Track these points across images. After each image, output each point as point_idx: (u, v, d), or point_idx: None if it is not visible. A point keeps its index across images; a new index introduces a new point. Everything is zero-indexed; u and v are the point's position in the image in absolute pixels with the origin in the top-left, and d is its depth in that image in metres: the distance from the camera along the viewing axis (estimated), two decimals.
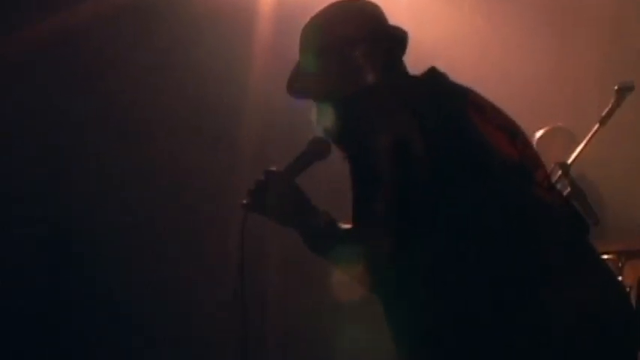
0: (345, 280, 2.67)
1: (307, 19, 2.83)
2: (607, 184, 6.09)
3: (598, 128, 4.36)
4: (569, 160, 4.20)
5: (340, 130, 2.72)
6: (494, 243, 2.48)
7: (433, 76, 2.75)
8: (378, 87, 2.68)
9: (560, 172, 4.02)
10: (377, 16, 2.81)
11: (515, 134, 2.70)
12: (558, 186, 3.92)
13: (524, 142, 2.73)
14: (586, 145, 4.32)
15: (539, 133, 5.84)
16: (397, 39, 2.81)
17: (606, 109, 4.39)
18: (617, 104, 4.38)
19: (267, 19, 6.46)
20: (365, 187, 2.54)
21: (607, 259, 4.57)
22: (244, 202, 2.72)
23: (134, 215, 6.10)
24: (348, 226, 2.61)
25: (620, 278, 4.51)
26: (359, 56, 2.70)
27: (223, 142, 6.31)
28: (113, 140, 6.07)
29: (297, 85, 2.82)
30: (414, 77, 2.76)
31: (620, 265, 4.60)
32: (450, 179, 2.50)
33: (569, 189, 3.95)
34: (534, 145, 5.69)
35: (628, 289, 4.38)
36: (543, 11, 6.86)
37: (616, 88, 4.40)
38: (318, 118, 2.78)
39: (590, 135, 4.35)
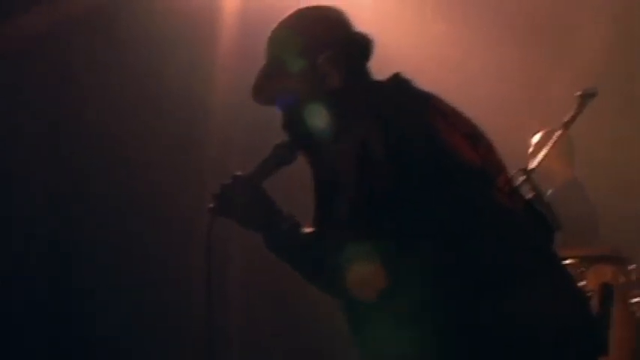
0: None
1: (272, 19, 2.82)
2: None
3: (561, 134, 4.38)
4: (532, 166, 4.21)
5: (304, 135, 2.72)
6: (457, 249, 2.48)
7: (397, 81, 2.75)
8: (341, 92, 2.68)
9: (523, 177, 4.02)
10: (342, 21, 2.80)
11: (477, 139, 2.70)
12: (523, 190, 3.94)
13: (486, 147, 2.72)
14: (549, 150, 4.33)
15: (535, 138, 5.86)
16: (362, 45, 2.81)
17: (569, 115, 4.41)
18: (580, 110, 4.40)
19: (231, 20, 6.43)
20: (327, 192, 2.56)
21: (569, 264, 4.59)
22: (211, 206, 2.73)
23: (99, 215, 6.05)
24: (310, 230, 2.64)
25: (582, 283, 4.52)
26: (324, 62, 2.70)
27: (186, 144, 6.26)
28: (72, 142, 6.00)
29: (263, 91, 2.81)
30: (378, 82, 2.77)
31: (582, 270, 4.60)
32: (413, 185, 2.50)
33: (532, 194, 3.96)
34: (530, 149, 5.80)
35: (590, 295, 4.39)
36: (505, 16, 6.89)
37: (579, 94, 4.42)
38: (284, 123, 2.77)
39: (553, 140, 4.36)
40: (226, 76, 6.33)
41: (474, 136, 2.70)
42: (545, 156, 4.33)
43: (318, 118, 2.66)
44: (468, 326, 2.45)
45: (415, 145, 2.55)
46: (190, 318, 5.82)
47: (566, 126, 4.39)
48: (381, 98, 2.67)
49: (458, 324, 2.46)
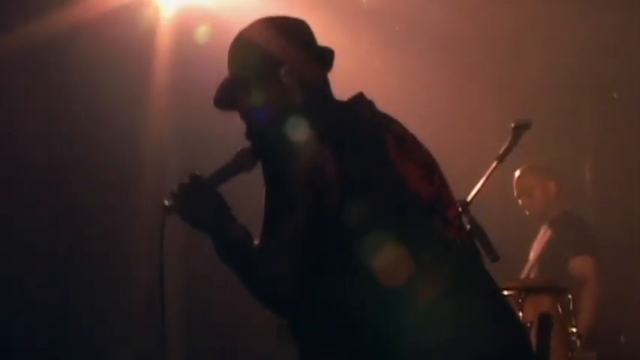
0: None
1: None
2: (508, 220, 6.17)
3: (496, 166, 4.39)
4: (469, 198, 4.21)
5: (260, 148, 2.75)
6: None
7: (358, 103, 2.75)
8: (302, 109, 2.68)
9: (460, 209, 4.01)
10: (305, 34, 2.81)
11: (432, 169, 2.69)
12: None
13: (440, 178, 2.71)
14: (485, 182, 4.34)
15: (517, 172, 5.90)
16: (324, 58, 2.81)
17: (503, 147, 4.42)
18: (515, 142, 4.42)
19: (165, 54, 6.40)
20: (276, 209, 2.59)
21: (508, 295, 4.59)
22: (166, 203, 2.73)
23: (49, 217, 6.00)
24: (257, 243, 2.65)
25: (520, 314, 4.53)
26: (285, 75, 2.70)
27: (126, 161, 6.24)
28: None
29: (223, 97, 2.81)
30: (339, 103, 2.76)
31: (520, 301, 4.61)
32: (359, 212, 2.50)
33: (468, 226, 3.96)
34: (514, 183, 5.83)
35: (528, 326, 4.39)
36: (442, 50, 6.93)
37: (513, 125, 4.44)
38: (248, 134, 2.78)
39: (488, 172, 4.38)
40: (162, 112, 6.31)
41: (429, 166, 2.69)
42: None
43: (274, 132, 2.67)
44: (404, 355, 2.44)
45: (365, 172, 2.54)
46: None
47: (501, 158, 4.41)
48: (338, 120, 2.66)
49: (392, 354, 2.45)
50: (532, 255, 5.81)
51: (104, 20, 6.14)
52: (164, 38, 6.45)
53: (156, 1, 6.44)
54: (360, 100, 2.75)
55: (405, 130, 2.72)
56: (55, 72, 6.10)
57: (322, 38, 2.82)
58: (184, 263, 6.42)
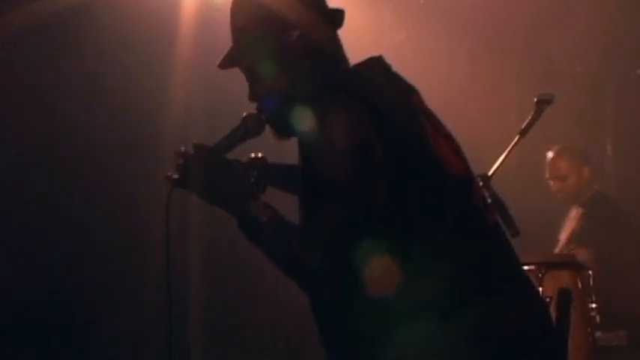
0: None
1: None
2: (527, 195, 6.17)
3: (518, 139, 4.40)
4: (490, 172, 4.21)
5: (287, 123, 2.55)
6: (439, 259, 2.40)
7: (379, 66, 2.59)
8: (328, 80, 2.51)
9: (481, 184, 4.02)
10: None
11: (456, 142, 2.60)
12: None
13: (462, 152, 2.62)
14: (507, 156, 4.35)
15: (551, 153, 5.90)
16: (335, 20, 2.66)
17: (526, 121, 4.43)
18: (537, 116, 4.42)
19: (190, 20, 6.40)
20: (318, 191, 2.38)
21: (528, 270, 4.61)
22: (170, 175, 2.56)
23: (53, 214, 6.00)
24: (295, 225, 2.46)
25: (540, 289, 4.55)
26: (297, 39, 2.55)
27: (145, 147, 6.23)
28: (32, 146, 5.95)
29: (231, 59, 2.64)
30: (358, 68, 2.58)
31: (540, 275, 4.62)
32: (404, 192, 2.39)
33: (490, 200, 3.97)
34: (548, 164, 5.83)
35: (548, 300, 4.40)
36: (464, 23, 6.91)
37: (535, 100, 4.44)
38: (250, 94, 2.64)
39: (510, 146, 4.38)
40: (186, 73, 6.30)
41: (452, 138, 2.59)
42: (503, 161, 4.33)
43: (303, 106, 2.45)
44: (439, 334, 2.38)
45: (411, 148, 2.42)
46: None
47: (524, 132, 4.41)
48: (372, 88, 2.46)
49: (430, 331, 2.38)
50: (563, 235, 5.82)
51: None
52: (189, 12, 6.45)
53: None
54: (379, 62, 2.60)
55: (423, 99, 2.62)
56: (78, 43, 6.10)
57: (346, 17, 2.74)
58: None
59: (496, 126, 6.07)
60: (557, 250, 5.74)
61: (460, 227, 2.43)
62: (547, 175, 5.93)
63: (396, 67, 2.64)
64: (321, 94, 2.46)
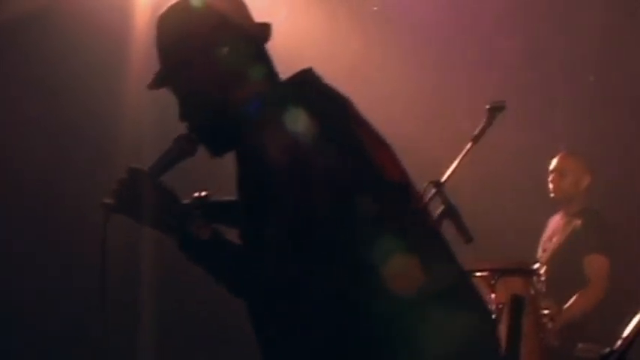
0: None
1: None
2: (481, 202, 6.19)
3: (471, 146, 4.41)
4: (443, 179, 4.22)
5: (220, 140, 2.58)
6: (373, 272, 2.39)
7: (309, 79, 2.59)
8: (264, 97, 2.52)
9: (434, 190, 4.03)
10: (238, 10, 2.62)
11: (390, 147, 2.60)
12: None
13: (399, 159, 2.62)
14: (460, 163, 4.36)
15: (560, 154, 5.92)
16: (264, 35, 2.64)
17: (478, 128, 4.44)
18: (489, 123, 4.44)
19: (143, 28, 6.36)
20: (258, 205, 2.40)
21: (480, 276, 4.62)
22: (107, 201, 2.55)
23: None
24: (236, 242, 2.48)
25: (492, 296, 4.56)
26: (224, 59, 2.53)
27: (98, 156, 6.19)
28: None
29: (161, 79, 2.61)
30: (292, 82, 2.58)
31: (492, 282, 4.64)
32: (345, 201, 2.39)
33: (442, 207, 3.98)
34: (555, 160, 5.82)
35: (500, 307, 4.42)
36: (417, 36, 6.93)
37: (487, 107, 4.46)
38: (181, 113, 2.62)
39: (463, 153, 4.39)
40: (137, 83, 6.27)
41: (388, 144, 2.59)
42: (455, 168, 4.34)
43: (239, 122, 2.48)
44: (379, 341, 2.38)
45: (351, 158, 2.43)
46: None
47: (476, 139, 4.42)
48: (304, 101, 2.45)
49: (367, 337, 2.39)
50: (547, 244, 5.81)
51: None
52: (141, 18, 6.42)
53: None
54: (309, 76, 2.59)
55: (355, 106, 2.60)
56: (29, 52, 6.06)
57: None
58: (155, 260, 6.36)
59: (448, 133, 6.08)
60: (541, 258, 5.76)
61: (399, 231, 2.43)
62: (550, 168, 5.90)
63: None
64: (260, 109, 2.47)
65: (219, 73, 2.54)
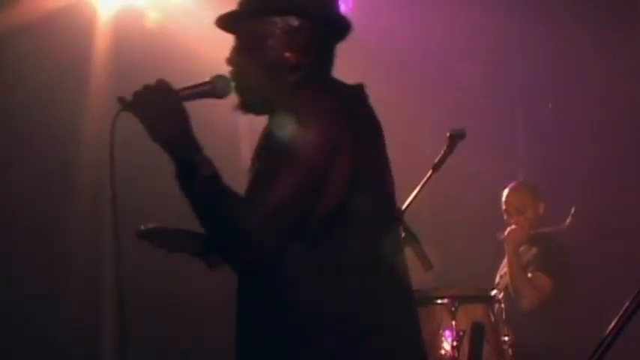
0: None
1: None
2: (441, 230, 6.21)
3: (431, 174, 4.42)
4: (404, 206, 4.23)
5: (255, 99, 2.65)
6: (364, 270, 2.51)
7: (361, 91, 2.70)
8: (318, 81, 2.63)
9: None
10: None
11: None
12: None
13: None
14: (420, 190, 4.37)
15: (508, 190, 5.88)
16: (341, 30, 2.76)
17: (439, 156, 4.46)
18: (450, 150, 4.46)
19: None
20: (271, 167, 2.44)
21: (441, 303, 4.62)
22: (125, 98, 2.53)
23: None
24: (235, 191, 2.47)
25: (453, 323, 4.55)
26: (303, 38, 2.65)
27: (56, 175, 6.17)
28: None
29: (234, 23, 2.68)
30: (347, 85, 2.69)
31: (453, 309, 4.63)
32: (354, 197, 2.49)
33: (403, 234, 3.98)
34: (505, 199, 5.80)
35: (461, 334, 4.42)
36: (376, 60, 6.95)
37: (448, 134, 4.48)
38: (232, 63, 2.67)
39: (423, 181, 4.40)
40: (100, 100, 6.25)
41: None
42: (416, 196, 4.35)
43: (291, 95, 2.56)
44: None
45: (372, 172, 2.57)
46: None
47: (436, 166, 4.44)
48: (356, 106, 2.60)
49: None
50: (504, 270, 5.81)
51: (41, 22, 6.08)
52: (101, 40, 6.39)
53: (93, 2, 6.38)
54: (362, 89, 2.72)
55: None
56: None
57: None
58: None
59: (409, 160, 6.10)
60: (499, 280, 5.75)
61: (381, 238, 2.55)
62: (503, 208, 5.87)
63: None
64: (308, 83, 2.58)
65: (283, 58, 2.63)
